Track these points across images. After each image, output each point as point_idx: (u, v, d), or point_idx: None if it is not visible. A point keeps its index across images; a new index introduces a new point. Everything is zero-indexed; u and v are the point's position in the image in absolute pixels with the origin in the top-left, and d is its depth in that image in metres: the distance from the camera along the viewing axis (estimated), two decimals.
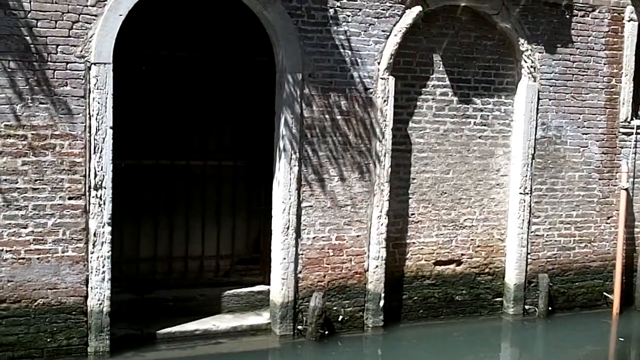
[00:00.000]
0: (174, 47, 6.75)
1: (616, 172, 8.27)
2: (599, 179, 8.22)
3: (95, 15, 5.97)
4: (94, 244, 6.06)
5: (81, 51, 5.95)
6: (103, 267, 6.10)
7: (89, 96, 5.97)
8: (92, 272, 6.08)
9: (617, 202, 8.25)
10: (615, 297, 8.19)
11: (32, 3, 5.76)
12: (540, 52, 7.74)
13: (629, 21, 8.12)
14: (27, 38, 5.77)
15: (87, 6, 5.94)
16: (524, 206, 7.81)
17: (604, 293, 8.34)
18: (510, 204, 7.84)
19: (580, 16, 7.91)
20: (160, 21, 6.63)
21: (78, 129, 5.98)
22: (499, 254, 7.91)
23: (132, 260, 6.86)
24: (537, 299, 7.94)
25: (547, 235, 8.03)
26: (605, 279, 8.35)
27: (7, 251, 5.84)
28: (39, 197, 5.90)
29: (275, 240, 6.89)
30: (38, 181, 5.89)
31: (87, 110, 5.98)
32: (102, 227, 6.07)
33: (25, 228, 5.88)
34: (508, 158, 7.83)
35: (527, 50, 7.64)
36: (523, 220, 7.83)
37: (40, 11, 5.80)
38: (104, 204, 6.06)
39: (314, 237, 6.93)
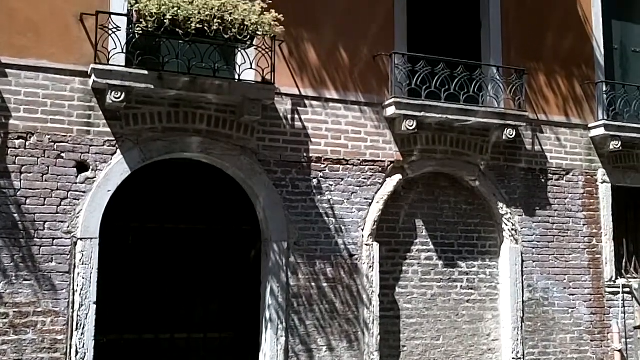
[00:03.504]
0: (161, 219, 6.83)
1: (607, 333, 8.16)
2: (591, 341, 8.09)
3: (84, 192, 6.10)
4: None
5: (68, 227, 6.01)
6: None
7: (73, 271, 5.96)
8: None
9: None
10: None
11: (22, 182, 5.91)
12: (519, 215, 7.92)
13: (602, 183, 8.40)
14: (15, 215, 5.86)
15: (76, 183, 6.09)
16: None
17: None
18: None
19: (555, 179, 8.19)
20: (147, 194, 6.76)
21: (61, 305, 5.90)
22: None
23: None
24: None
25: None
26: None
27: None
28: None
29: None
30: None
31: (71, 286, 5.93)
32: None
33: None
34: (497, 322, 7.74)
35: (507, 213, 7.82)
36: None
37: (30, 189, 5.93)
38: None
39: None
